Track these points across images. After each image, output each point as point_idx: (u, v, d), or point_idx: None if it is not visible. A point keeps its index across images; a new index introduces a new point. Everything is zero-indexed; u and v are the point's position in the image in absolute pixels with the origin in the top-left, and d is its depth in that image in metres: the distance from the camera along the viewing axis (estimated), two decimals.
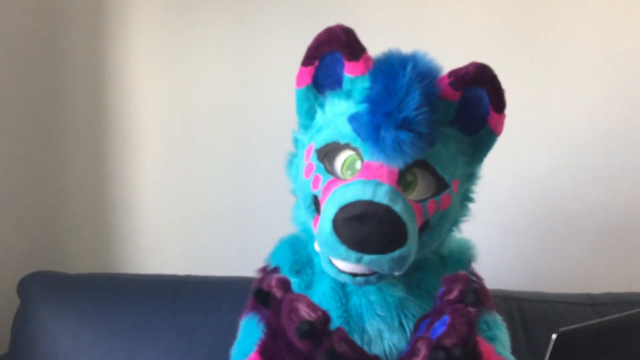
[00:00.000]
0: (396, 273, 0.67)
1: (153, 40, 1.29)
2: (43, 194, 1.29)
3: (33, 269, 1.13)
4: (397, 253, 0.64)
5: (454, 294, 0.63)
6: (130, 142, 1.31)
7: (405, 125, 0.66)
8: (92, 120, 1.31)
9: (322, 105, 0.76)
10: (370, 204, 0.64)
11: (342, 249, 0.64)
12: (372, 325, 0.71)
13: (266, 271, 0.80)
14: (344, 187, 0.68)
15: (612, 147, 1.18)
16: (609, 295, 1.05)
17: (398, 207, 0.64)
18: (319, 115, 0.76)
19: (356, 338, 0.70)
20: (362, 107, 0.69)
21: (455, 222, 0.78)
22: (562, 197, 1.20)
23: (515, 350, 0.94)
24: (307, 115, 0.77)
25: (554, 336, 0.41)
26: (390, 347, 0.70)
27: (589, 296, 1.04)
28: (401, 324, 0.71)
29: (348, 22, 1.25)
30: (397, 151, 0.66)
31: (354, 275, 0.67)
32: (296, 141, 0.79)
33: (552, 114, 1.19)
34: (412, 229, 0.66)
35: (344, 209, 0.64)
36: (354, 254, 0.64)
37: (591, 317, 0.99)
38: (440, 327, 0.60)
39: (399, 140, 0.66)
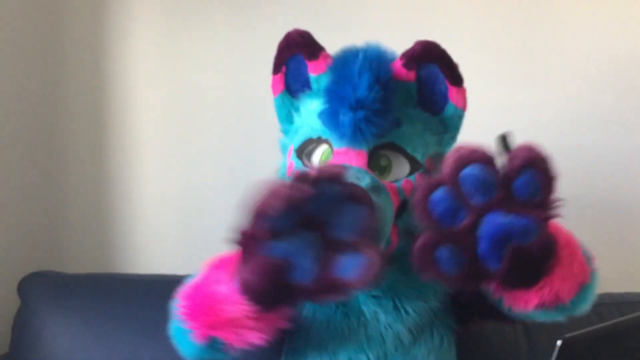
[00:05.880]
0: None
1: (153, 40, 1.29)
2: (43, 194, 1.28)
3: (33, 269, 1.13)
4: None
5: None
6: (130, 142, 1.31)
7: (360, 105, 0.69)
8: (92, 120, 1.31)
9: (297, 109, 0.81)
10: None
11: None
12: (368, 308, 0.73)
13: None
14: None
15: (612, 148, 1.18)
16: (609, 295, 1.04)
17: (364, 183, 0.67)
18: (296, 119, 0.81)
19: (353, 321, 0.73)
20: (324, 100, 0.74)
21: None
22: (562, 197, 1.19)
23: (514, 351, 0.95)
24: (287, 120, 0.83)
25: (558, 343, 0.41)
26: (385, 328, 0.72)
27: None
28: (395, 306, 0.73)
29: (349, 24, 1.26)
30: (356, 132, 0.70)
31: None
32: (283, 147, 0.84)
33: (552, 113, 1.18)
34: (384, 196, 0.68)
35: None
36: None
37: (591, 318, 0.98)
38: None
39: (356, 120, 0.69)
